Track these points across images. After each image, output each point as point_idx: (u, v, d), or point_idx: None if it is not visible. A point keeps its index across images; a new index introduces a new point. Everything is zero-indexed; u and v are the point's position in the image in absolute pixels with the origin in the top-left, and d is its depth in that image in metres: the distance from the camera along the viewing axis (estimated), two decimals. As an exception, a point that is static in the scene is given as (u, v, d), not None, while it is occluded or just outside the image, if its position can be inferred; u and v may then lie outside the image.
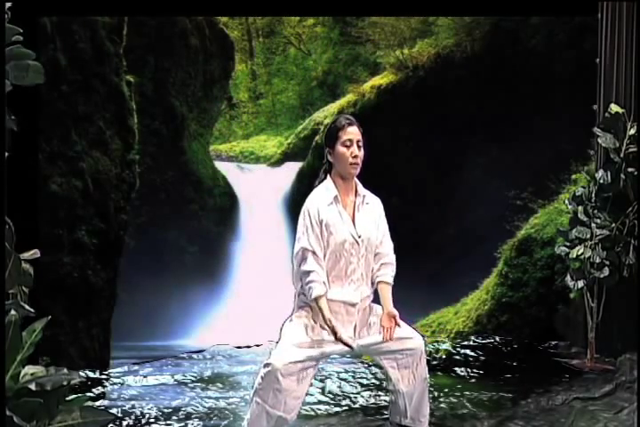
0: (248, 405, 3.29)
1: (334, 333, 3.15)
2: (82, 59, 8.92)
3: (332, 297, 3.23)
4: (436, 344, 6.37)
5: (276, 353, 3.19)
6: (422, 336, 3.47)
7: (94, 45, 9.19)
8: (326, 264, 3.23)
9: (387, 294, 3.31)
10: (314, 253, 3.18)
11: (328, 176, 3.35)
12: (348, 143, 3.26)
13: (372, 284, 3.36)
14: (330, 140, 3.32)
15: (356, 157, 3.26)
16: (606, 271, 5.34)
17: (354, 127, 3.30)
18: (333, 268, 3.24)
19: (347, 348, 3.23)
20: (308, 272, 3.15)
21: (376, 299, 3.41)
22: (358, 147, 3.28)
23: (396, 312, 3.23)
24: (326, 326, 3.16)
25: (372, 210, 3.37)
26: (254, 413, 3.20)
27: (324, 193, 3.30)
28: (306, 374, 3.23)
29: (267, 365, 3.18)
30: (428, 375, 3.49)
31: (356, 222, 3.29)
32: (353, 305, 3.28)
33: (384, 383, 4.44)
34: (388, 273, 3.36)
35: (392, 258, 3.39)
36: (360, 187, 3.38)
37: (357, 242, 3.26)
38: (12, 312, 2.54)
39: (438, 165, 15.37)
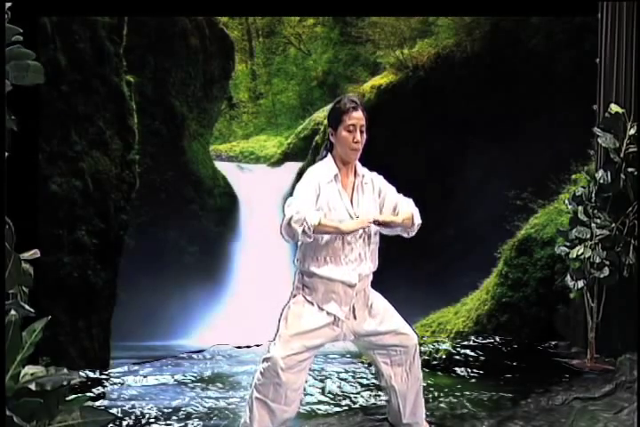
0: (246, 402, 3.28)
1: (358, 224, 3.13)
2: (82, 59, 8.94)
3: (330, 276, 3.21)
4: (436, 344, 6.35)
5: (274, 347, 3.18)
6: (417, 335, 3.45)
7: (94, 45, 9.21)
8: (323, 243, 3.19)
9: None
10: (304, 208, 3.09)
11: (329, 154, 3.33)
12: (351, 128, 3.23)
13: (372, 265, 3.32)
14: (333, 122, 3.28)
15: (357, 142, 3.23)
16: (606, 271, 5.34)
17: (358, 112, 3.25)
18: (330, 247, 3.20)
19: (341, 336, 3.23)
20: (297, 212, 3.06)
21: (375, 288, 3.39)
22: (361, 132, 3.25)
23: (379, 218, 3.20)
24: (347, 228, 3.12)
25: (370, 190, 3.34)
26: (256, 409, 3.17)
27: (324, 170, 3.26)
28: (304, 365, 3.21)
29: (266, 359, 3.17)
30: (421, 376, 3.46)
31: (354, 202, 3.27)
32: (351, 286, 3.24)
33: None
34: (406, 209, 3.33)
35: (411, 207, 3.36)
36: (359, 166, 3.35)
37: None
38: (12, 312, 2.54)
39: (438, 165, 15.35)
